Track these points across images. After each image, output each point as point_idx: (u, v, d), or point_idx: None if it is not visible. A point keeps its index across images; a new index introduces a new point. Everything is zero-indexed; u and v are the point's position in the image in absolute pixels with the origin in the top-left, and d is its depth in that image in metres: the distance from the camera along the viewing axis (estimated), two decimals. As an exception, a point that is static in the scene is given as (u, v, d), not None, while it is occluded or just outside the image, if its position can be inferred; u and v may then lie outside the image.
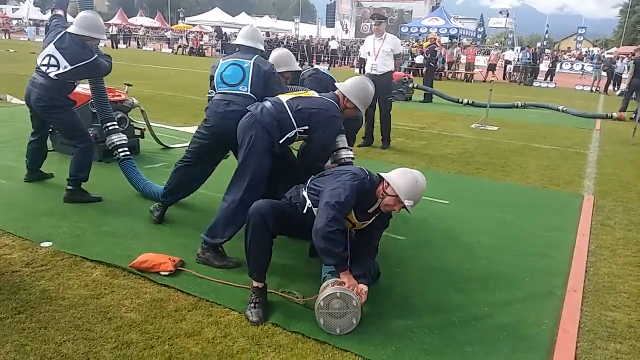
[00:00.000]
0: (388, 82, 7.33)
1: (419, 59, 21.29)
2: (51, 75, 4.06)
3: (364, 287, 2.68)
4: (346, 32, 43.71)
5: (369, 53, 7.28)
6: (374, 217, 2.90)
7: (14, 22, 54.01)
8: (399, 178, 2.74)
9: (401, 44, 11.24)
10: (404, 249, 3.71)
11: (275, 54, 4.02)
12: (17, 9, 57.55)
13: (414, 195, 2.73)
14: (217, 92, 3.55)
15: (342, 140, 3.54)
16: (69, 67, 4.05)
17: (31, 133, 4.59)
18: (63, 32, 4.13)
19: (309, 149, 3.29)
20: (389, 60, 7.16)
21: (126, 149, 4.56)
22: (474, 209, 4.77)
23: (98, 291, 2.83)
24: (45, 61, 4.07)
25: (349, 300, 2.56)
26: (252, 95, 3.43)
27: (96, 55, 4.18)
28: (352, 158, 3.58)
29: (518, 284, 3.27)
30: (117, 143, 4.49)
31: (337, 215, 2.60)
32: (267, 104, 3.19)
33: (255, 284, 2.76)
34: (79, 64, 4.08)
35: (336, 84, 3.41)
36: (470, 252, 3.74)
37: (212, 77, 3.64)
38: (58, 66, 4.05)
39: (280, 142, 3.15)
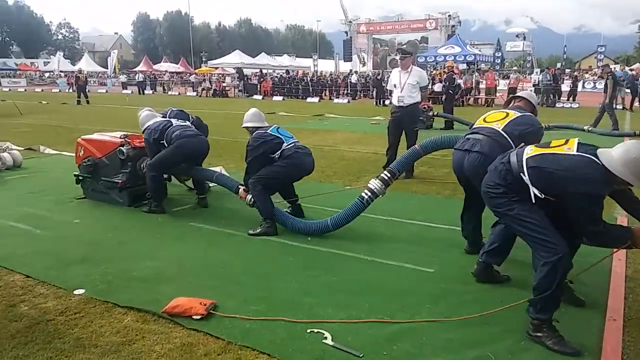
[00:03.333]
0: (414, 113, 7.47)
1: (438, 87, 21.38)
2: None
3: None
4: (364, 65, 44.39)
5: (395, 86, 7.47)
6: None
7: (46, 74, 56.74)
8: (624, 165, 2.57)
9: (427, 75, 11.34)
10: (433, 283, 3.65)
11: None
12: (49, 62, 60.44)
13: None
14: (287, 142, 4.85)
15: None
16: None
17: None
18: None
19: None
20: (415, 92, 7.33)
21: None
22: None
23: (129, 337, 2.86)
24: None
25: None
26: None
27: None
28: None
29: (555, 314, 3.16)
30: None
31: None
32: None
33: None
34: None
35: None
36: (502, 283, 3.64)
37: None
38: None
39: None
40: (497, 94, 24.08)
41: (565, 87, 26.06)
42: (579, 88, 27.15)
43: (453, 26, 39.55)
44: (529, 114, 3.84)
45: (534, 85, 25.28)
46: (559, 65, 43.44)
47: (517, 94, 3.99)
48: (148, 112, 5.73)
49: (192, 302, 3.13)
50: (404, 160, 4.61)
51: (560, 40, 69.39)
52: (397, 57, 7.65)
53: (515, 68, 42.15)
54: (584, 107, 21.83)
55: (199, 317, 3.04)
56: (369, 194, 4.46)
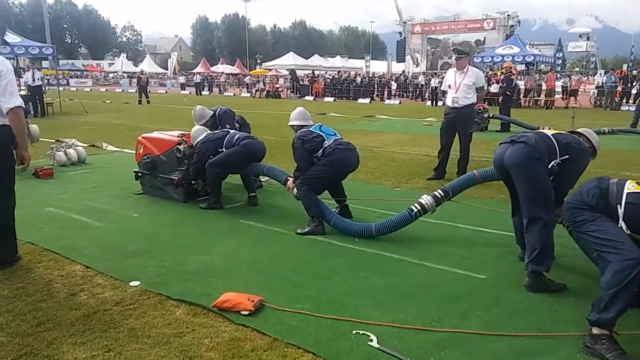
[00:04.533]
0: (469, 114, 7.35)
1: (494, 88, 20.77)
2: None
3: None
4: (417, 66, 43.81)
5: (449, 86, 7.31)
6: None
7: (110, 75, 59.66)
8: None
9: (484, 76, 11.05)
10: (484, 289, 3.54)
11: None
12: (113, 63, 63.58)
13: None
14: (328, 140, 4.88)
15: None
16: None
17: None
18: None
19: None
20: (470, 93, 7.16)
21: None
22: (561, 244, 4.46)
23: (180, 330, 2.94)
24: None
25: None
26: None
27: None
28: None
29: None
30: None
31: None
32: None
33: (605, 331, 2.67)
34: None
35: None
36: (558, 292, 3.48)
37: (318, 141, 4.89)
38: None
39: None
40: (557, 96, 23.10)
41: (633, 89, 24.69)
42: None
43: (512, 26, 38.33)
44: (580, 139, 3.78)
45: (596, 87, 24.11)
46: (625, 66, 41.20)
47: (578, 130, 3.92)
48: (198, 127, 5.97)
49: (241, 298, 3.19)
50: (460, 184, 4.57)
51: (627, 40, 65.49)
52: (453, 58, 7.48)
53: (577, 69, 40.26)
54: (653, 111, 20.54)
55: (247, 312, 3.09)
56: (419, 207, 4.42)
